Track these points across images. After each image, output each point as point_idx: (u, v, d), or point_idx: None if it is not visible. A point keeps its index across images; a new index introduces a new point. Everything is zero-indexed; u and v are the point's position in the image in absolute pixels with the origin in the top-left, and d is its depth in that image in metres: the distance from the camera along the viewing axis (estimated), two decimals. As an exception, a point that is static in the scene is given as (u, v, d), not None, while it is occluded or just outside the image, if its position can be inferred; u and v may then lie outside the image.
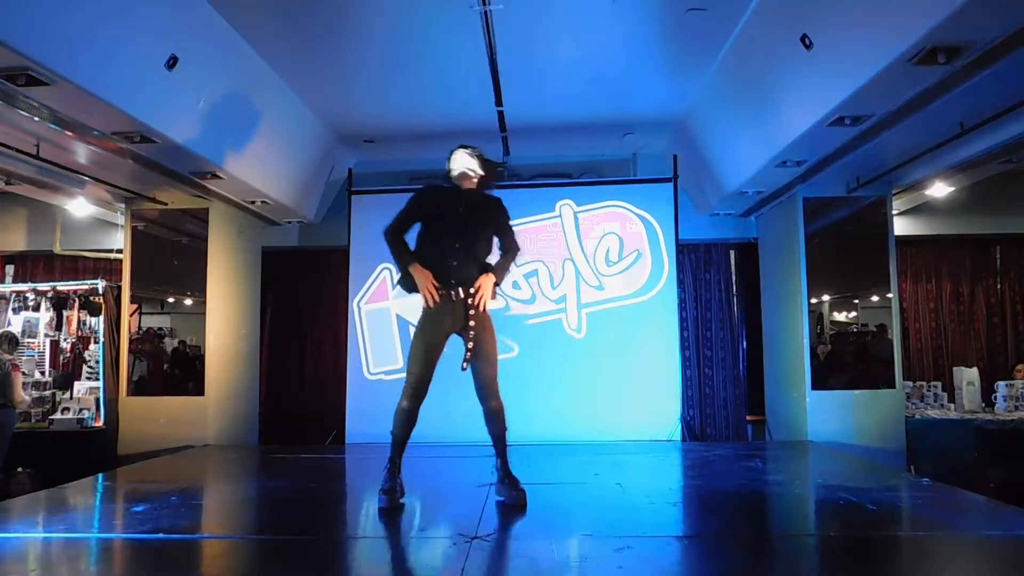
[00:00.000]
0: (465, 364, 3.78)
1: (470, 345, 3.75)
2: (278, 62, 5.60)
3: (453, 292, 3.74)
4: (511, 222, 3.99)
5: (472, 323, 3.73)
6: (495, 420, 3.87)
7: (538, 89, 6.10)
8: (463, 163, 3.79)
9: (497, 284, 3.85)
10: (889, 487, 4.69)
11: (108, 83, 4.28)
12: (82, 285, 7.11)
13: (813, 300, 6.90)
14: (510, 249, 3.95)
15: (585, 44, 5.38)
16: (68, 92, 4.13)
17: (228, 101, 5.49)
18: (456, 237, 3.77)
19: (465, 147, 3.86)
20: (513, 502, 3.86)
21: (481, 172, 3.82)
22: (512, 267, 4.00)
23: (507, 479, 3.92)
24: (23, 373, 6.51)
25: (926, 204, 7.50)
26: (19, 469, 5.90)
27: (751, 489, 4.61)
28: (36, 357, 7.09)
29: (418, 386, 3.75)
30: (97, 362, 6.87)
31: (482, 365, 3.81)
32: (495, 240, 3.96)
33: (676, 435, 6.67)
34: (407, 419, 3.78)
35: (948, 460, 6.09)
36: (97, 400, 6.73)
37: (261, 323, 7.85)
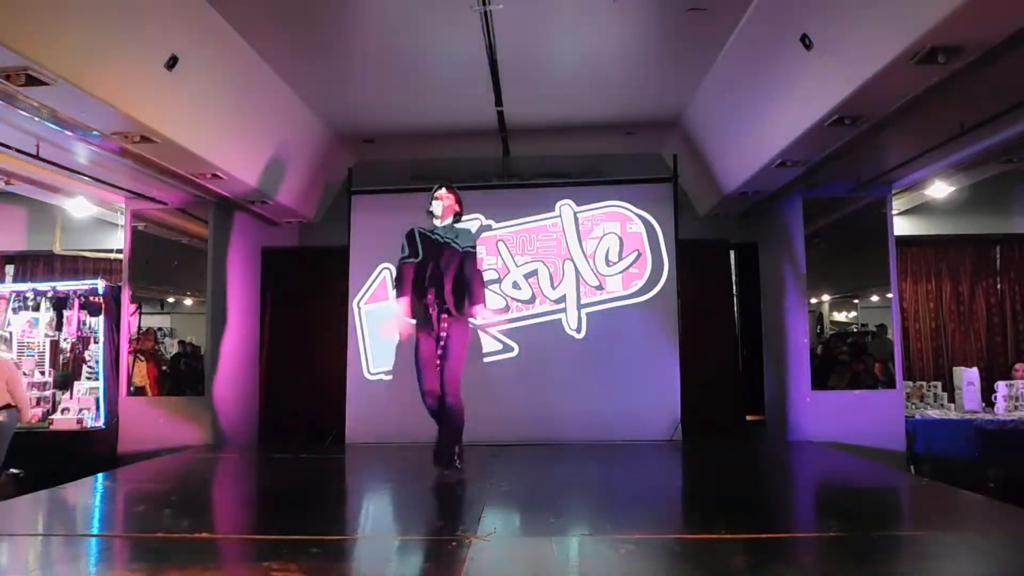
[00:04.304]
0: (437, 362, 4.66)
1: (440, 347, 4.64)
2: (278, 62, 5.60)
3: (431, 306, 4.63)
4: (477, 254, 4.90)
5: (443, 331, 4.63)
6: (452, 415, 4.66)
7: (538, 89, 6.10)
8: (437, 207, 4.77)
9: (477, 304, 4.73)
10: (888, 487, 4.70)
11: (108, 83, 4.28)
12: (82, 285, 7.10)
13: (813, 300, 6.89)
14: (472, 279, 4.76)
15: (585, 44, 5.38)
16: (68, 92, 4.13)
17: (228, 101, 5.49)
18: (432, 263, 4.69)
19: (440, 188, 4.80)
20: (452, 479, 4.60)
21: (444, 210, 4.76)
22: (483, 290, 4.88)
23: (457, 459, 4.66)
24: (23, 373, 6.50)
25: (926, 204, 7.49)
26: (10, 470, 5.86)
27: (751, 489, 4.61)
28: (36, 357, 7.08)
29: (423, 392, 4.65)
30: (97, 362, 6.87)
31: (447, 366, 4.65)
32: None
33: (676, 435, 6.67)
34: (434, 418, 4.73)
35: (948, 460, 6.09)
36: (97, 400, 6.73)
37: (261, 323, 7.84)
